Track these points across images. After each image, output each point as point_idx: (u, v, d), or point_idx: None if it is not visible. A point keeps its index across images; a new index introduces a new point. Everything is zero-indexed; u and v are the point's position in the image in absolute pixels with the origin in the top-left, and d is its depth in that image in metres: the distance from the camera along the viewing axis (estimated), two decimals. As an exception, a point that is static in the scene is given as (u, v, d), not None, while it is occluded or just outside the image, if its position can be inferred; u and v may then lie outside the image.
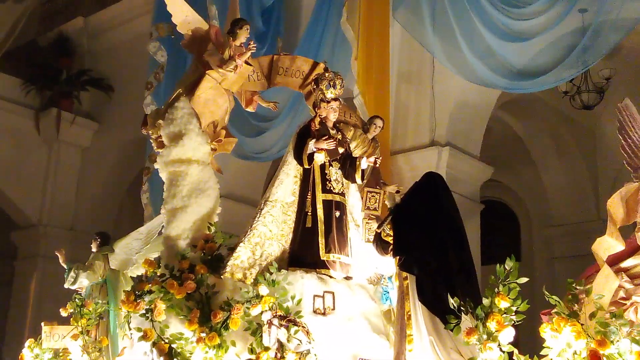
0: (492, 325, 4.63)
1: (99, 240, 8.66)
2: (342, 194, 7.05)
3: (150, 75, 11.02)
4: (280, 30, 10.69)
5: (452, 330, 4.87)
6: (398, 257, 5.52)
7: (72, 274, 8.30)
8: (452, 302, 4.87)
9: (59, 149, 14.19)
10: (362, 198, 7.28)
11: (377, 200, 6.75)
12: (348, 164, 7.09)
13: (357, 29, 8.92)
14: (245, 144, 10.19)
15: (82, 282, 8.28)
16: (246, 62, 7.26)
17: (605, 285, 4.52)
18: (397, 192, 5.89)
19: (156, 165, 7.27)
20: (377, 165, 7.44)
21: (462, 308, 4.82)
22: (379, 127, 8.27)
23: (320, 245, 6.75)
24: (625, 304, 4.64)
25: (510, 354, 4.67)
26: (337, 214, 6.91)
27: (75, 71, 14.29)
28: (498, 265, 4.81)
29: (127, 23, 13.54)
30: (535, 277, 11.05)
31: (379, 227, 5.89)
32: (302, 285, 6.44)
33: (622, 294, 4.68)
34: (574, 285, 4.51)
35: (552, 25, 7.53)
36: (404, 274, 5.40)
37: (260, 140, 10.35)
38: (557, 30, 7.55)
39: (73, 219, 14.00)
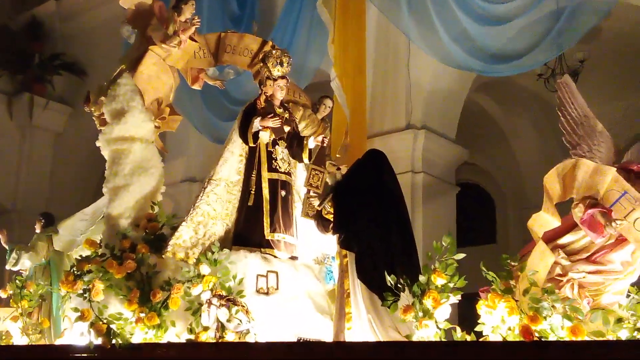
0: (428, 302, 4.59)
1: (43, 221, 8.44)
2: (289, 174, 6.97)
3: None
4: (256, 13, 10.48)
5: (389, 307, 4.81)
6: (338, 235, 5.43)
7: (13, 254, 8.07)
8: (389, 279, 4.81)
9: (32, 134, 13.93)
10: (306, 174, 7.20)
11: (320, 179, 6.67)
12: (295, 143, 7.01)
13: (333, 12, 8.79)
14: (221, 128, 9.99)
15: (25, 264, 8.05)
16: (192, 39, 7.13)
17: (541, 261, 4.50)
18: (339, 169, 5.79)
19: (98, 143, 7.10)
20: (325, 145, 7.36)
21: (399, 285, 4.76)
22: (329, 107, 8.18)
23: (265, 224, 6.68)
24: (562, 281, 4.63)
25: (449, 331, 4.63)
26: (283, 193, 6.84)
27: (48, 55, 13.99)
28: (435, 242, 4.76)
29: (100, 6, 13.17)
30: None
31: (319, 205, 5.81)
32: (245, 264, 6.35)
33: (558, 270, 4.67)
34: (508, 261, 4.47)
35: (528, 9, 7.50)
36: (344, 251, 5.33)
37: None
38: (533, 14, 7.52)
39: (47, 205, 13.50)
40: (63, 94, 14.12)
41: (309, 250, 6.96)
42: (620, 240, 4.65)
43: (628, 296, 4.59)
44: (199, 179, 11.19)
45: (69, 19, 14.14)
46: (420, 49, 8.52)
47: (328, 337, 6.13)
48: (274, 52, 7.07)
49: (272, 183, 6.82)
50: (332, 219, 5.64)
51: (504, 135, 12.84)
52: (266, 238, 6.65)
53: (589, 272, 4.66)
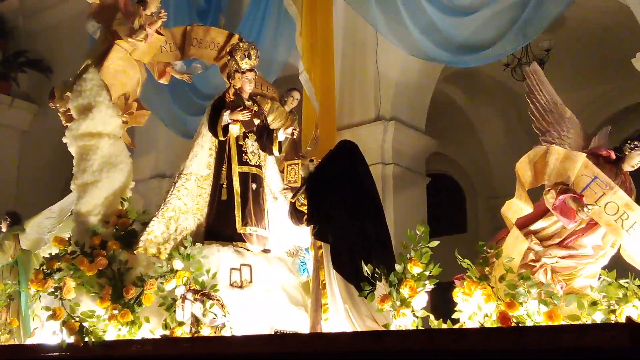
0: (405, 291, 4.61)
1: (9, 220, 8.34)
2: (259, 167, 6.95)
3: None
4: (222, 6, 10.40)
5: (366, 297, 4.83)
6: (312, 226, 5.43)
7: (-20, 254, 7.96)
8: (366, 269, 4.83)
9: (-2, 133, 13.71)
10: (283, 173, 7.20)
11: (297, 172, 6.68)
12: (265, 136, 6.98)
13: (300, 5, 8.76)
14: (189, 123, 9.94)
15: (-9, 263, 7.95)
16: (158, 32, 7.07)
17: (514, 247, 4.56)
18: (311, 161, 5.79)
19: (65, 139, 7.00)
20: (295, 137, 7.36)
21: (375, 275, 4.78)
22: (297, 99, 8.18)
23: (236, 218, 6.65)
24: (535, 266, 4.69)
25: (425, 319, 4.67)
26: (254, 186, 6.82)
27: (12, 52, 13.80)
28: (408, 230, 4.78)
29: (63, 2, 13.02)
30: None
31: (293, 197, 5.79)
32: (218, 258, 6.33)
33: (532, 256, 4.74)
34: (484, 248, 4.52)
35: (494, -1, 7.57)
36: (319, 243, 5.33)
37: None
38: (499, 4, 7.55)
39: (14, 204, 13.32)
40: (28, 92, 13.96)
41: (280, 242, 6.96)
42: (591, 225, 4.73)
43: (599, 279, 4.67)
44: (168, 174, 11.13)
45: (32, 16, 13.92)
46: (388, 41, 8.53)
47: (303, 329, 6.15)
48: (241, 44, 7.03)
49: (243, 176, 6.79)
50: (305, 211, 5.62)
51: (472, 126, 12.97)
52: (238, 231, 6.62)
53: (562, 257, 4.73)
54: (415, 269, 4.64)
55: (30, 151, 13.81)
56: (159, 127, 10.40)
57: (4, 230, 8.27)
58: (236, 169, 6.78)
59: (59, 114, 7.30)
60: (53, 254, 6.85)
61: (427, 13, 7.87)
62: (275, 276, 6.54)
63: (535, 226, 4.83)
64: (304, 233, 6.65)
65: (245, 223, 6.65)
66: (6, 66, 13.74)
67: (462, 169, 14.46)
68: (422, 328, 4.59)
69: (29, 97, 13.92)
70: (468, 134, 13.16)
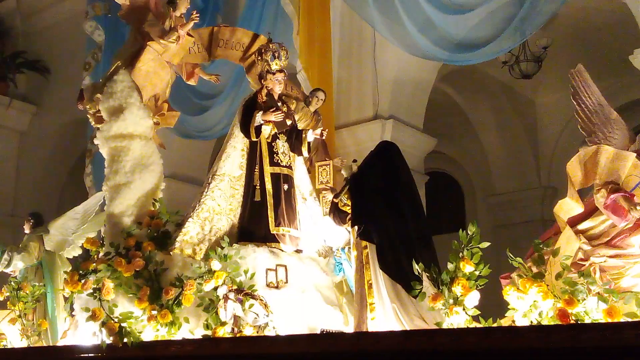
0: (457, 289, 4.65)
1: (32, 221, 8.31)
2: (290, 167, 6.98)
3: (87, 55, 10.69)
4: (220, 6, 10.46)
5: (416, 296, 4.86)
6: (357, 227, 5.46)
7: (5, 256, 7.93)
8: (417, 268, 4.87)
9: (-4, 134, 13.69)
10: (315, 174, 7.23)
11: (328, 173, 6.73)
12: (294, 136, 7.02)
13: (298, 4, 8.80)
14: (188, 123, 10.04)
15: (17, 265, 7.92)
16: (188, 34, 7.07)
17: (567, 246, 4.60)
18: (354, 161, 5.82)
19: (96, 141, 7.00)
20: (324, 138, 7.41)
21: (427, 274, 4.82)
22: (321, 99, 8.21)
23: (269, 218, 6.68)
24: (584, 265, 4.73)
25: (476, 318, 4.70)
26: (285, 187, 6.85)
27: (10, 53, 13.75)
28: (461, 230, 4.82)
29: (61, 2, 13.01)
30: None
31: (335, 197, 5.83)
32: (254, 259, 6.36)
33: (580, 255, 4.77)
34: (541, 246, 4.56)
35: (490, -3, 7.62)
36: (364, 243, 5.35)
37: (203, 118, 10.16)
38: (495, 1, 7.62)
39: (14, 205, 13.46)
40: (26, 93, 13.92)
41: (311, 243, 7.00)
42: (639, 225, 4.78)
43: (647, 279, 4.71)
44: (166, 174, 10.99)
45: (30, 16, 13.87)
46: (386, 40, 8.57)
47: (340, 328, 6.20)
48: (270, 45, 7.05)
49: (275, 177, 6.82)
50: (348, 211, 5.66)
51: (470, 124, 13.06)
52: (271, 232, 6.66)
53: (610, 256, 4.76)
54: (467, 267, 4.68)
55: (29, 152, 13.79)
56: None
57: (27, 231, 8.25)
58: (268, 169, 6.81)
59: (88, 115, 7.29)
60: (79, 256, 6.85)
61: (424, 11, 7.92)
62: (309, 276, 6.59)
63: (582, 226, 4.86)
64: (335, 233, 6.74)
65: (278, 224, 6.69)
66: (4, 67, 13.69)
67: (461, 167, 14.57)
68: (477, 326, 4.62)
69: (27, 98, 13.89)
70: (466, 132, 13.26)
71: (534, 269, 4.60)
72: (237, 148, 6.90)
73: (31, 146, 13.76)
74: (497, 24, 7.54)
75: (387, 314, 5.08)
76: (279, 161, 6.88)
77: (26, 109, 13.84)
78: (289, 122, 6.95)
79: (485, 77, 11.84)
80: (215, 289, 5.84)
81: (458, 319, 4.60)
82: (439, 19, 7.90)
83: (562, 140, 11.83)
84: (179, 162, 10.82)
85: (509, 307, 4.57)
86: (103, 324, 5.94)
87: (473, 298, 4.68)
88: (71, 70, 11.88)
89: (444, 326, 4.65)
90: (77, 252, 8.10)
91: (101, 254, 6.60)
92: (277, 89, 7.01)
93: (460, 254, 4.73)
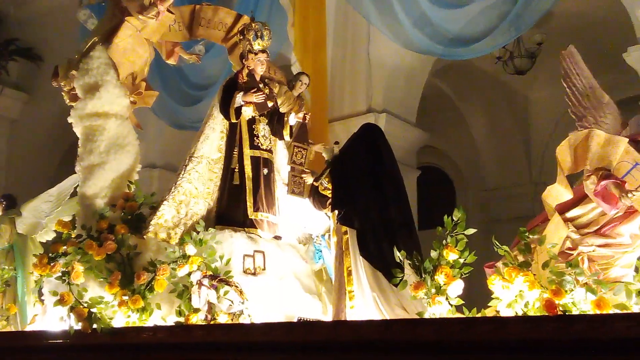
0: (440, 278, 4.46)
1: (4, 203, 8.04)
2: (270, 151, 6.78)
3: (81, 44, 10.37)
4: None
5: (397, 285, 4.66)
6: (337, 211, 5.24)
7: (-26, 239, 7.67)
8: (399, 255, 4.66)
9: (-13, 122, 13.52)
10: (288, 152, 7.01)
11: (304, 156, 6.52)
12: (276, 119, 6.80)
13: None
14: (181, 114, 9.94)
15: (-13, 248, 7.66)
16: (168, 10, 6.83)
17: (555, 233, 4.41)
18: (336, 143, 5.61)
19: (70, 119, 6.74)
20: (306, 122, 7.18)
21: (409, 261, 4.62)
22: (305, 83, 7.99)
23: (248, 203, 6.48)
24: (572, 254, 4.55)
25: (459, 308, 4.51)
26: (265, 171, 6.65)
27: (2, 41, 13.52)
28: (445, 216, 4.62)
29: (54, -10, 12.77)
30: (472, 239, 11.45)
31: (316, 181, 5.60)
32: (231, 244, 6.15)
33: (568, 244, 4.58)
34: (526, 234, 4.36)
35: (486, -9, 7.48)
36: (344, 228, 5.13)
37: (196, 109, 9.90)
38: None
39: (4, 192, 13.21)
40: (18, 80, 13.79)
41: (290, 229, 6.79)
42: (629, 213, 4.58)
43: (636, 270, 4.54)
44: (158, 165, 10.99)
45: (23, 4, 13.68)
46: (381, 34, 8.45)
47: (318, 317, 6.00)
48: (253, 24, 6.82)
49: (255, 161, 6.62)
50: (329, 195, 5.44)
51: (463, 119, 12.99)
52: (249, 217, 6.45)
53: (599, 246, 4.58)
54: (451, 255, 4.48)
55: (20, 140, 13.66)
56: (149, 117, 10.18)
57: None
58: (248, 152, 6.61)
59: (63, 93, 7.03)
60: (54, 238, 6.62)
61: (419, 5, 7.82)
62: (287, 263, 6.38)
63: (571, 213, 4.67)
64: (315, 219, 6.51)
65: (256, 209, 6.48)
66: (-4, 54, 13.52)
67: (453, 161, 14.45)
68: (460, 316, 4.43)
69: (19, 86, 13.75)
70: (459, 127, 13.18)
71: (520, 258, 4.42)
72: (216, 130, 6.68)
73: (23, 134, 13.64)
74: (492, 19, 7.45)
75: (366, 302, 4.87)
76: (260, 144, 6.67)
77: (18, 97, 13.73)
78: (270, 105, 6.73)
79: (479, 72, 11.76)
80: (189, 274, 5.62)
81: (440, 309, 4.40)
82: (434, 14, 7.81)
83: (554, 137, 11.67)
84: (172, 153, 10.71)
85: (492, 296, 4.36)
86: (72, 309, 5.73)
87: (456, 287, 4.48)
88: (64, 58, 11.60)
89: (426, 316, 4.45)
90: (51, 235, 7.82)
91: (73, 236, 6.34)
92: (259, 70, 6.79)
93: (444, 241, 4.52)
